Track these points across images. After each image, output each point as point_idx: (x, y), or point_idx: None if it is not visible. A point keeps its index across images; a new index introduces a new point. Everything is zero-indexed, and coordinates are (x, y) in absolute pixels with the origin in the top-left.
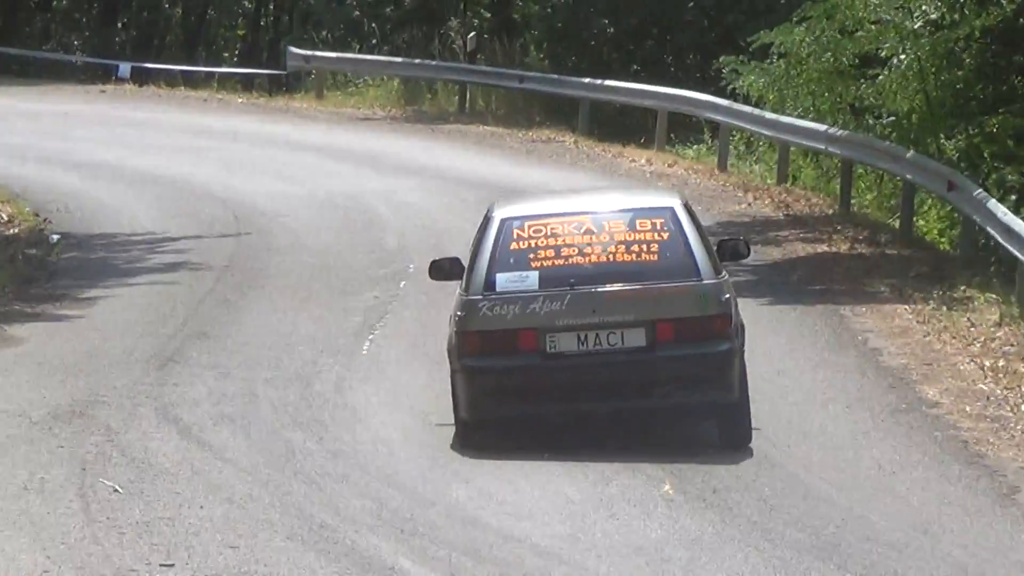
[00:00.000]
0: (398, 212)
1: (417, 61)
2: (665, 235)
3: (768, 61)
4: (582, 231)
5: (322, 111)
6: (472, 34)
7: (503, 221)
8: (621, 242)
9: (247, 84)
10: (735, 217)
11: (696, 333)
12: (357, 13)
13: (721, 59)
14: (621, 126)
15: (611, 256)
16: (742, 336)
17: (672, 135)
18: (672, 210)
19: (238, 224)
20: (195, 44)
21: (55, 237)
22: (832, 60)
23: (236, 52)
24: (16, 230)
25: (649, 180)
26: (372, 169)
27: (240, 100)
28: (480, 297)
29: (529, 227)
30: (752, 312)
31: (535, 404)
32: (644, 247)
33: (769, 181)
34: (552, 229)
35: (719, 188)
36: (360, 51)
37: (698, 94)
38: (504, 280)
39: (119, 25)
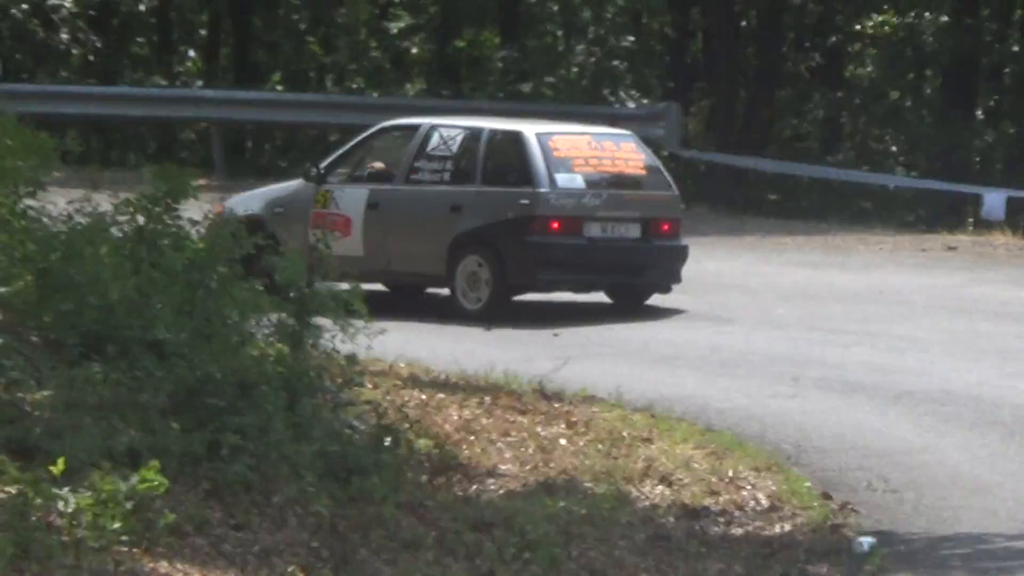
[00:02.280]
0: None
1: None
2: (642, 155)
3: None
4: (591, 147)
5: None
6: None
7: (538, 135)
8: (620, 158)
9: None
10: None
11: (672, 231)
12: None
13: None
14: None
15: (618, 167)
16: None
17: None
18: (633, 135)
19: None
20: None
21: (865, 543)
22: None
23: None
24: (787, 525)
25: None
26: None
27: None
28: (549, 190)
29: (558, 140)
30: None
31: (575, 274)
32: (633, 163)
33: None
34: (571, 143)
35: None
36: None
37: None
38: (563, 179)
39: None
